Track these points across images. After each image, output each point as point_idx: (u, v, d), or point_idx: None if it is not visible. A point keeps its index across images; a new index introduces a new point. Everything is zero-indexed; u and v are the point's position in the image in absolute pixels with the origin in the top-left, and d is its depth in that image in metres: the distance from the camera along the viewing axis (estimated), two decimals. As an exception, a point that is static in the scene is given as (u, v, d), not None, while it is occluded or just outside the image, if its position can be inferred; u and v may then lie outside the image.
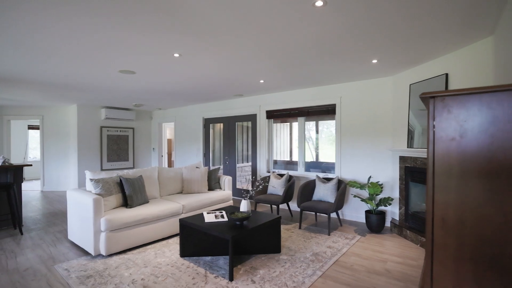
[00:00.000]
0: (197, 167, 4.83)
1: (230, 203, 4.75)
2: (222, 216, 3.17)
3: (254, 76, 4.21)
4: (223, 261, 3.01)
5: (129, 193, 3.56)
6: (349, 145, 4.66)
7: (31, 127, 9.73)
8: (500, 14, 2.29)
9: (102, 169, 7.33)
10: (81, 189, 3.61)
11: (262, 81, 4.52)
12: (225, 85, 4.84)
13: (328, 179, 4.43)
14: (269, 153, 5.85)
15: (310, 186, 4.43)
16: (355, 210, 4.59)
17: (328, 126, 5.32)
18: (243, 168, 6.54)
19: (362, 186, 4.05)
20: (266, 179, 5.01)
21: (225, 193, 4.64)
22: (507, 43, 2.30)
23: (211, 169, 4.89)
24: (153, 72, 3.92)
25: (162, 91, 5.35)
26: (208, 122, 7.02)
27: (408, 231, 3.64)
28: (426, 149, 3.35)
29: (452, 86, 3.12)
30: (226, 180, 4.85)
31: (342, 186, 4.07)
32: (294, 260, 3.04)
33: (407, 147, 3.77)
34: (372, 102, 4.40)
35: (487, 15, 2.32)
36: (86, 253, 3.27)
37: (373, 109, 4.40)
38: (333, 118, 5.01)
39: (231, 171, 6.49)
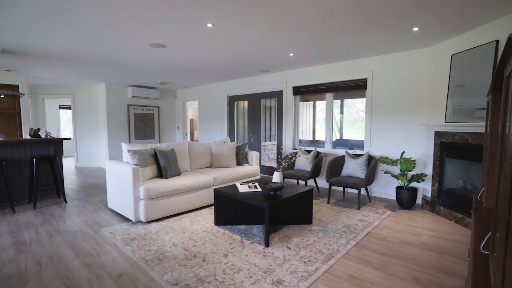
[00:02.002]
0: (225, 142, 4.91)
1: (258, 178, 4.83)
2: (255, 187, 3.24)
3: (285, 48, 4.11)
4: (256, 229, 3.11)
5: (163, 165, 3.69)
6: (379, 121, 4.53)
7: (62, 107, 10.17)
8: None
9: (130, 146, 7.61)
10: (118, 160, 3.78)
11: (291, 54, 4.41)
12: (254, 59, 4.78)
13: (358, 155, 4.37)
14: (295, 130, 5.81)
15: (339, 162, 4.40)
16: (383, 187, 4.53)
17: (354, 105, 5.17)
18: (267, 147, 6.58)
19: (394, 162, 3.97)
20: (293, 155, 5.01)
21: (253, 168, 4.71)
22: None
23: (238, 144, 4.95)
24: (184, 45, 3.92)
25: (190, 67, 5.37)
26: (232, 100, 7.02)
27: (441, 207, 3.57)
28: (468, 123, 3.20)
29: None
30: (253, 156, 4.90)
31: (372, 162, 4.01)
32: (326, 230, 3.08)
33: (445, 122, 3.62)
34: (407, 76, 4.21)
35: None
36: (126, 219, 3.48)
37: (407, 84, 4.21)
38: (361, 95, 4.86)
39: (255, 149, 6.54)
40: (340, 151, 5.05)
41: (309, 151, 4.95)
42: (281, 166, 3.41)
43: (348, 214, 3.66)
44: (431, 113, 3.97)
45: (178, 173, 3.92)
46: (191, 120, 11.10)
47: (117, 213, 3.73)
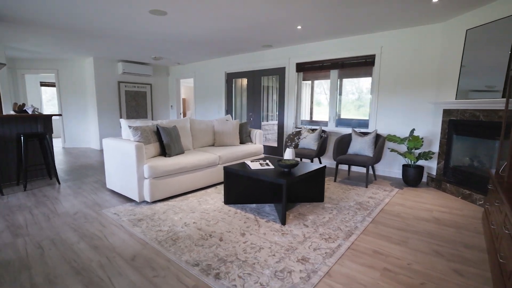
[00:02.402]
0: (227, 120, 4.72)
1: (262, 156, 4.71)
2: (267, 164, 3.12)
3: (294, 20, 3.87)
4: (268, 208, 3.02)
5: (167, 142, 3.49)
6: (385, 99, 4.45)
7: (43, 84, 9.52)
8: None
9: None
10: (118, 138, 3.55)
11: (299, 27, 4.18)
12: (259, 31, 4.51)
13: (364, 133, 4.31)
14: (298, 109, 5.67)
15: (345, 140, 4.33)
16: (388, 165, 4.53)
17: (358, 84, 5.04)
18: (264, 127, 6.42)
19: (402, 140, 3.93)
20: (298, 134, 4.90)
21: (257, 146, 4.58)
22: None
23: (241, 122, 4.77)
24: (187, 13, 3.61)
25: (189, 39, 5.03)
26: (230, 77, 6.74)
27: (448, 185, 3.59)
28: (483, 100, 3.15)
29: (524, 27, 2.82)
30: (257, 134, 4.76)
31: (380, 140, 3.95)
32: (339, 208, 3.04)
33: (455, 99, 3.57)
34: (416, 52, 4.09)
35: None
36: (129, 200, 3.31)
37: (416, 60, 4.10)
38: (367, 74, 4.73)
39: (255, 128, 6.38)
40: (345, 130, 4.97)
41: (314, 130, 4.84)
42: (293, 143, 3.28)
43: (357, 191, 3.63)
44: (440, 90, 3.91)
45: (181, 151, 3.73)
46: (183, 100, 10.71)
47: (118, 194, 3.55)
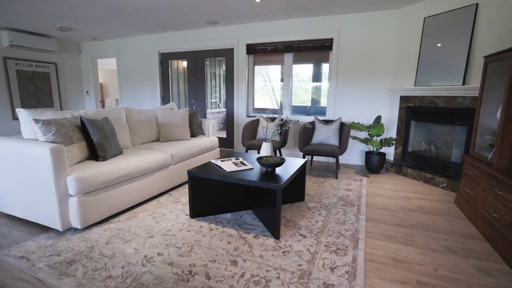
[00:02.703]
0: (171, 109, 3.85)
1: (217, 151, 4.05)
2: (243, 163, 2.52)
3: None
4: (248, 216, 2.47)
5: (98, 141, 2.50)
6: (344, 85, 4.33)
7: None
8: None
9: (14, 118, 5.40)
10: (17, 137, 2.37)
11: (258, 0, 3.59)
12: (206, 2, 3.72)
13: (328, 121, 4.11)
14: (249, 96, 5.13)
15: (309, 129, 4.04)
16: (347, 153, 4.49)
17: (312, 70, 4.81)
18: (211, 116, 5.70)
19: (367, 128, 3.86)
20: (255, 123, 4.39)
21: (211, 139, 3.88)
22: None
23: (191, 111, 3.94)
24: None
25: (109, 4, 3.84)
26: (166, 58, 5.68)
27: (409, 169, 3.70)
28: (444, 87, 3.24)
29: (482, 19, 2.93)
30: (210, 124, 4.04)
31: (346, 128, 3.80)
32: (325, 206, 2.71)
33: (415, 86, 3.64)
34: (374, 38, 4.04)
35: None
36: (44, 229, 2.26)
37: (374, 46, 4.06)
38: (323, 59, 4.53)
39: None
40: (303, 118, 4.71)
41: (273, 119, 4.41)
42: (270, 136, 2.76)
43: (331, 184, 3.39)
44: (396, 77, 3.96)
45: (119, 152, 2.78)
46: (101, 85, 8.85)
47: (22, 221, 2.40)
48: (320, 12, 4.10)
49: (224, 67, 5.21)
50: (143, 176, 2.70)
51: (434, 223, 2.41)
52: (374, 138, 3.99)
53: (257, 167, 2.48)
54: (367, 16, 4.04)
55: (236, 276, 1.65)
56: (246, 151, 4.10)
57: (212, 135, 4.07)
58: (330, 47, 4.32)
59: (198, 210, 2.44)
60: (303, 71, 4.85)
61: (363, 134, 4.30)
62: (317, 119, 4.06)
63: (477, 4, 2.96)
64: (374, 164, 3.86)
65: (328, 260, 1.83)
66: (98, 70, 6.62)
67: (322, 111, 4.74)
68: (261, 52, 4.82)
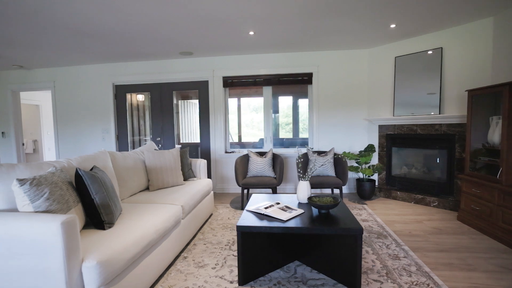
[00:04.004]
0: (155, 149, 3.24)
1: (212, 195, 3.54)
2: (288, 207, 2.21)
3: (243, 23, 3.18)
4: (301, 269, 2.13)
5: (102, 201, 1.82)
6: (324, 117, 4.52)
7: None
8: None
9: None
10: None
11: (252, 32, 3.51)
12: (182, 30, 3.43)
13: (320, 153, 4.14)
14: (226, 130, 4.82)
15: (304, 161, 3.98)
16: (333, 182, 4.56)
17: (292, 103, 4.92)
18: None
19: (358, 156, 4.03)
20: (244, 159, 4.08)
21: (206, 182, 3.38)
22: (508, 26, 2.78)
23: (180, 150, 3.34)
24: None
25: (48, 19, 3.15)
26: (122, 91, 4.91)
27: (398, 193, 3.96)
28: (422, 116, 3.68)
29: (448, 61, 3.54)
30: (201, 165, 3.55)
31: (341, 159, 3.89)
32: (367, 242, 2.58)
33: (393, 116, 4.04)
34: (349, 73, 4.41)
35: None
36: None
37: (349, 80, 4.42)
38: (302, 92, 4.69)
39: (167, 156, 4.90)
40: (286, 151, 4.65)
41: (262, 154, 4.19)
42: (307, 174, 2.51)
43: (344, 216, 3.32)
44: (372, 108, 4.35)
45: (120, 211, 2.10)
46: (12, 123, 7.02)
47: None
48: (300, 48, 4.29)
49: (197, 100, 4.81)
50: (161, 241, 2.07)
51: (464, 243, 2.55)
52: (363, 166, 4.19)
53: (305, 210, 2.21)
54: (342, 54, 4.41)
55: None
56: (243, 191, 3.72)
57: (204, 177, 3.57)
58: (309, 81, 4.51)
59: (248, 274, 1.98)
60: (282, 103, 4.89)
61: (349, 162, 4.48)
62: (310, 150, 4.05)
63: (441, 48, 3.57)
64: (367, 190, 4.01)
65: (432, 306, 1.67)
66: (20, 106, 5.24)
67: (304, 143, 4.79)
68: (239, 85, 4.67)
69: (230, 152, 4.77)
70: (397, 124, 4.01)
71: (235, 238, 2.75)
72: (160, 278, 2.07)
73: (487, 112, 2.96)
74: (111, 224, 1.85)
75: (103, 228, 1.80)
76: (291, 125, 4.94)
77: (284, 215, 2.05)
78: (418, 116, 3.71)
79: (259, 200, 2.52)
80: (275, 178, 3.83)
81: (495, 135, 2.77)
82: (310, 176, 2.53)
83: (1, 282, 1.36)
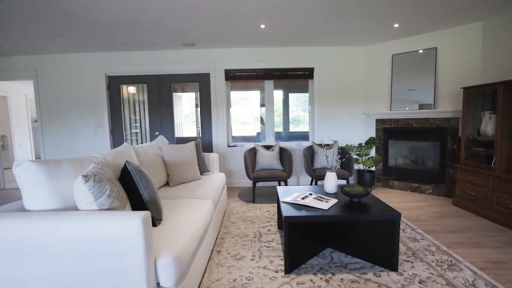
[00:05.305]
0: (168, 143, 3.16)
1: (226, 190, 3.54)
2: (322, 197, 2.32)
3: (253, 16, 3.20)
4: (336, 255, 2.26)
5: (151, 197, 1.78)
6: (324, 111, 4.68)
7: None
8: (491, 3, 3.01)
9: None
10: (52, 211, 1.43)
11: (263, 26, 3.52)
12: (204, 22, 3.37)
13: (325, 146, 4.30)
14: (228, 124, 4.79)
15: (310, 154, 4.12)
16: (332, 173, 4.77)
17: (287, 97, 5.02)
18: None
19: (357, 148, 4.26)
20: (252, 153, 4.11)
21: (221, 176, 3.37)
22: (496, 30, 3.12)
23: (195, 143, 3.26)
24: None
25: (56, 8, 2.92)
26: (116, 82, 4.65)
27: (395, 182, 4.27)
28: (415, 110, 3.99)
29: (441, 60, 3.84)
30: (214, 159, 3.53)
31: (345, 151, 4.09)
32: (383, 228, 2.78)
33: (390, 110, 4.32)
34: (348, 69, 4.60)
35: (482, 3, 2.96)
36: None
37: (348, 76, 4.61)
38: (302, 87, 4.80)
39: (166, 151, 4.76)
40: (288, 144, 4.76)
41: (268, 147, 4.26)
42: (334, 166, 2.62)
43: (353, 205, 3.52)
44: (369, 103, 4.60)
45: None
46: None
47: None
48: (302, 43, 4.38)
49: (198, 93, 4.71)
50: (204, 235, 2.07)
51: (466, 225, 2.86)
52: (363, 158, 4.44)
53: (340, 199, 2.33)
54: (341, 50, 4.58)
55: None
56: (254, 185, 3.76)
57: (216, 171, 3.56)
58: (311, 76, 4.63)
59: (292, 262, 2.06)
60: (284, 98, 4.96)
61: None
62: (315, 144, 4.20)
63: (436, 47, 3.87)
64: (367, 180, 4.27)
65: (460, 278, 1.88)
66: (-5, 97, 4.74)
67: (305, 136, 4.94)
68: (241, 78, 4.66)
69: (233, 146, 4.77)
70: (394, 118, 4.29)
71: (260, 230, 2.81)
72: (204, 273, 2.07)
73: (480, 107, 3.30)
74: (160, 220, 1.81)
75: (154, 225, 1.77)
76: (290, 119, 5.05)
77: (324, 205, 2.15)
78: (413, 111, 4.01)
79: (286, 193, 2.60)
80: (283, 171, 3.92)
81: (488, 128, 3.11)
82: (336, 168, 2.66)
83: (81, 285, 1.30)
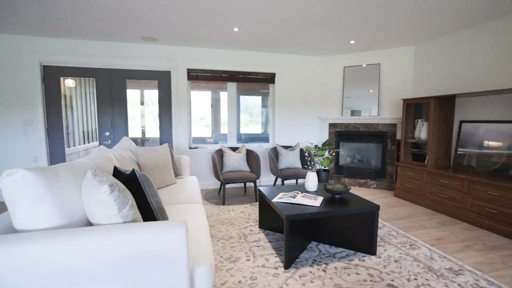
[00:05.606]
0: (130, 148, 2.91)
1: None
2: (309, 196, 2.50)
3: (228, 18, 3.25)
4: (323, 247, 2.47)
5: (159, 205, 1.65)
6: (283, 114, 4.95)
7: None
8: (419, 33, 3.78)
9: None
10: (79, 229, 1.17)
11: (236, 29, 3.54)
12: (157, 12, 3.21)
13: (287, 147, 4.54)
14: (190, 125, 4.61)
15: (275, 155, 4.30)
16: (291, 173, 5.08)
17: (253, 100, 5.13)
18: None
19: (319, 149, 4.64)
20: (219, 153, 4.07)
21: (194, 178, 3.26)
22: (424, 54, 3.93)
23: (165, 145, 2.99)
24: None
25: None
26: (54, 74, 3.97)
27: (346, 179, 4.82)
28: (366, 117, 4.60)
29: (383, 74, 4.52)
30: (185, 161, 3.38)
31: (304, 153, 4.41)
32: (350, 220, 3.13)
33: (341, 116, 4.85)
34: (306, 76, 4.98)
35: (413, 32, 3.70)
36: None
37: (306, 83, 4.99)
38: (262, 90, 4.98)
39: (118, 153, 4.29)
40: (249, 146, 4.86)
41: (235, 149, 4.27)
42: (313, 166, 2.81)
43: (317, 202, 3.84)
44: (323, 108, 5.07)
45: (156, 215, 1.90)
46: None
47: None
48: (266, 49, 4.55)
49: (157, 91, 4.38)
50: (204, 239, 2.00)
51: (409, 212, 3.46)
52: (320, 158, 4.85)
53: (323, 196, 2.55)
54: (301, 58, 4.92)
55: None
56: (224, 187, 3.73)
57: (188, 174, 3.42)
58: (272, 81, 4.84)
59: (290, 258, 2.17)
60: (245, 100, 5.04)
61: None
62: (279, 145, 4.41)
63: (379, 63, 4.54)
64: (324, 178, 4.70)
65: (422, 254, 2.30)
66: None
67: (260, 138, 5.12)
68: (203, 79, 4.55)
69: (194, 148, 4.62)
70: (344, 123, 4.84)
71: (243, 231, 2.84)
72: (204, 278, 2.00)
73: (414, 115, 4.03)
74: (167, 228, 1.69)
75: (163, 233, 1.64)
76: (252, 121, 5.17)
77: (314, 202, 2.33)
78: (361, 117, 4.61)
79: (270, 193, 2.70)
80: (251, 172, 4.01)
81: (421, 133, 3.82)
82: (315, 169, 2.88)
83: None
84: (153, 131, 4.51)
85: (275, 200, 2.43)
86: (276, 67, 4.81)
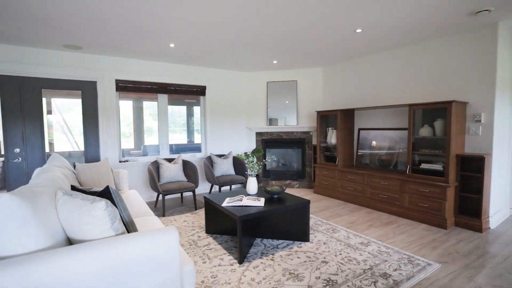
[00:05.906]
0: (65, 165, 2.73)
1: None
2: (254, 198, 2.86)
3: (163, 35, 3.42)
4: (267, 242, 2.87)
5: (129, 218, 1.72)
6: (213, 125, 5.24)
7: None
8: (326, 57, 4.81)
9: None
10: (96, 240, 1.12)
11: (172, 45, 3.65)
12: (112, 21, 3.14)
13: (221, 156, 4.81)
14: (119, 137, 4.37)
15: (210, 164, 4.53)
16: (225, 180, 5.36)
17: (184, 111, 5.20)
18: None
19: (248, 156, 5.08)
20: (155, 165, 4.03)
21: (135, 193, 3.20)
22: (330, 74, 4.96)
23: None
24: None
25: None
26: None
27: (273, 181, 5.42)
28: (284, 126, 5.32)
29: (300, 90, 5.34)
30: (124, 175, 3.27)
31: (236, 160, 4.80)
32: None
33: (266, 125, 5.46)
34: (233, 89, 5.40)
35: (321, 56, 4.71)
36: None
37: (234, 95, 5.41)
38: (194, 102, 5.15)
39: (33, 172, 3.74)
40: (184, 156, 4.93)
41: (170, 160, 4.28)
42: (253, 172, 3.15)
43: (253, 204, 4.25)
44: (250, 118, 5.59)
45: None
46: None
47: None
48: (197, 63, 4.76)
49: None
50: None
51: (328, 204, 4.23)
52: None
53: (264, 197, 2.95)
54: (229, 73, 5.31)
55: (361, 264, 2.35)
56: (163, 198, 3.74)
57: (127, 188, 3.31)
58: (203, 93, 5.06)
59: (243, 255, 2.47)
60: (176, 111, 5.07)
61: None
62: (213, 154, 4.66)
63: (296, 80, 5.34)
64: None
65: (342, 236, 2.97)
66: None
67: (197, 148, 5.26)
68: (133, 90, 4.42)
69: (124, 161, 4.40)
70: (269, 131, 5.46)
71: (192, 238, 2.98)
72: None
73: (326, 124, 4.93)
74: (136, 240, 1.77)
75: (133, 245, 1.71)
76: (185, 132, 5.24)
77: (258, 203, 2.71)
78: (283, 126, 5.32)
79: (217, 199, 2.96)
80: (188, 181, 4.13)
81: (332, 139, 4.72)
82: (255, 174, 3.27)
83: None
84: (64, 145, 4.05)
85: (224, 204, 2.70)
86: (207, 80, 5.08)
